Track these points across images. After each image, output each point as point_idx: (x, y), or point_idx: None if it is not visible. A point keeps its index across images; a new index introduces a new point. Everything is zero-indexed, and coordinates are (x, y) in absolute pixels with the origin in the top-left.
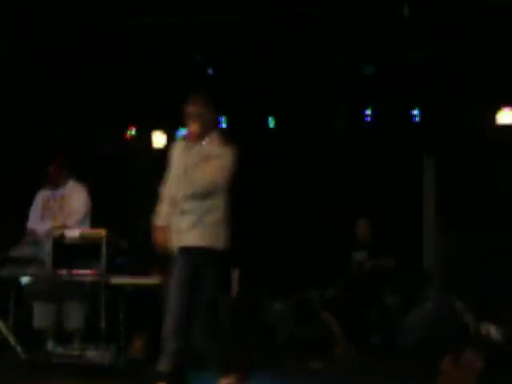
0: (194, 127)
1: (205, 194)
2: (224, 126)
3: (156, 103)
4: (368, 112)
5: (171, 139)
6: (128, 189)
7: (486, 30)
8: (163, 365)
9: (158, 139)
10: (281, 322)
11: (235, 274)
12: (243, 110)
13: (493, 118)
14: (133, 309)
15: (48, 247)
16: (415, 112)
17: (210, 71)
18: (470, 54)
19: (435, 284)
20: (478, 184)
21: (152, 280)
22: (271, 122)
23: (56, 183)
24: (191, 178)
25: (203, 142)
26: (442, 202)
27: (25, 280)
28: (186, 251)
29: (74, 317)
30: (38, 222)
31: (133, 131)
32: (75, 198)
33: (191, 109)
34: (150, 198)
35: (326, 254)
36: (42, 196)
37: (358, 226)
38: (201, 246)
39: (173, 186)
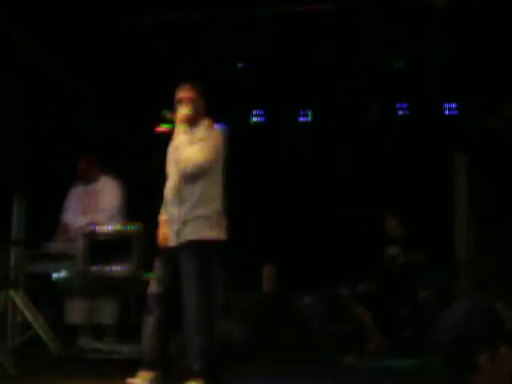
0: (186, 111)
1: (194, 175)
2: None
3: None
4: (400, 107)
5: None
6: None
7: None
8: (194, 363)
9: None
10: (313, 317)
11: (267, 270)
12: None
13: None
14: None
15: (80, 243)
16: (449, 106)
17: (240, 65)
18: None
19: (469, 279)
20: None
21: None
22: (310, 116)
23: (88, 179)
24: (179, 161)
25: (193, 128)
26: (474, 198)
27: (57, 276)
28: (194, 244)
29: (106, 312)
30: (72, 218)
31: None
32: (108, 193)
33: (183, 94)
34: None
35: (359, 249)
36: (75, 192)
37: (387, 224)
38: (208, 238)
39: (169, 179)
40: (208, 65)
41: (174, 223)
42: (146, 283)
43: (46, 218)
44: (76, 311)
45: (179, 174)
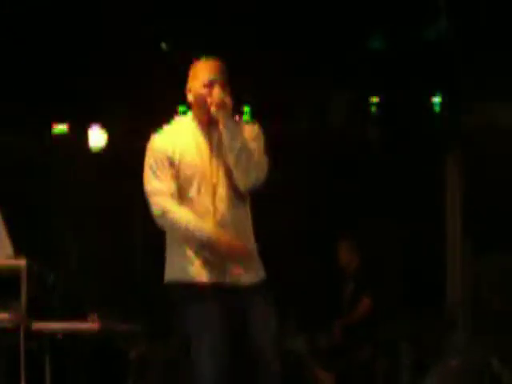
0: (230, 102)
1: (247, 191)
2: None
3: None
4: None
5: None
6: (54, 202)
7: None
8: None
9: (96, 137)
10: None
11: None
12: None
13: None
14: (62, 363)
15: None
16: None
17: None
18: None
19: (462, 329)
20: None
21: (88, 325)
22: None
23: None
24: (236, 173)
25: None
26: (470, 219)
27: None
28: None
29: None
30: None
31: (62, 128)
32: None
33: (222, 75)
34: (85, 215)
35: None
36: None
37: (339, 251)
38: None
39: (186, 182)
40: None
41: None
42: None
43: None
44: None
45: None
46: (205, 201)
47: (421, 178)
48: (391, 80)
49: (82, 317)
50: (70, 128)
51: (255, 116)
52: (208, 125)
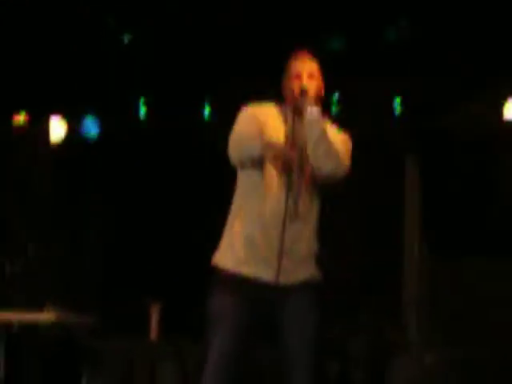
0: (313, 89)
1: (324, 185)
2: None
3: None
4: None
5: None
6: (10, 198)
7: None
8: None
9: (57, 129)
10: None
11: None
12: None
13: (497, 112)
14: (17, 357)
15: None
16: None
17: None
18: (469, 27)
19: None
20: (475, 196)
21: (44, 316)
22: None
23: None
24: (313, 162)
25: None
26: (429, 222)
27: None
28: (313, 286)
29: None
30: None
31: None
32: None
33: (310, 66)
34: (44, 212)
35: None
36: None
37: None
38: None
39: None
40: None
41: (280, 250)
42: None
43: None
44: None
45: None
46: (279, 185)
47: (379, 181)
48: (351, 80)
49: (39, 308)
50: (30, 120)
51: None
52: (296, 116)
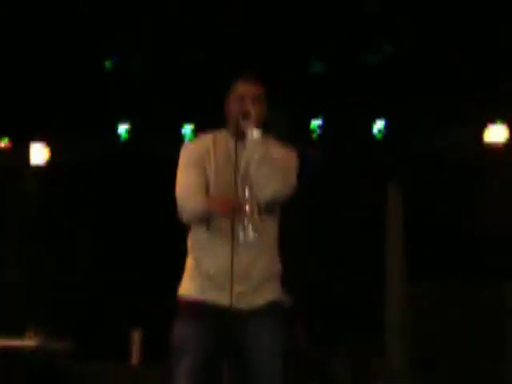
0: (256, 112)
1: (270, 209)
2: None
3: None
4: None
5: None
6: None
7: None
8: None
9: (38, 154)
10: None
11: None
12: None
13: (478, 135)
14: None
15: None
16: (377, 125)
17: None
18: (451, 52)
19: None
20: (456, 223)
21: (25, 343)
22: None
23: None
24: (256, 183)
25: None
26: (410, 248)
27: None
28: (276, 309)
29: None
30: None
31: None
32: None
33: (254, 90)
34: (25, 238)
35: None
36: None
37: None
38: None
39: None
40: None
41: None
42: None
43: None
44: None
45: (257, 200)
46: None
47: (361, 208)
48: (333, 104)
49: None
50: (12, 144)
51: None
52: (240, 137)
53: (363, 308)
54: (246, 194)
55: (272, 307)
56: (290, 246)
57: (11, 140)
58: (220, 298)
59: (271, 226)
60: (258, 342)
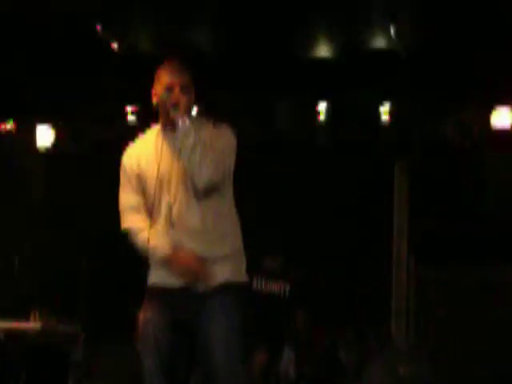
0: (185, 102)
1: (208, 191)
2: None
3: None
4: (321, 108)
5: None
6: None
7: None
8: None
9: (44, 136)
10: None
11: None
12: None
13: (484, 120)
14: (3, 365)
15: None
16: (382, 109)
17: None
18: (456, 37)
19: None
20: (461, 207)
21: (30, 325)
22: None
23: None
24: (189, 170)
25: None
26: (416, 233)
27: None
28: (232, 289)
29: None
30: None
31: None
32: None
33: (182, 79)
34: (33, 215)
35: None
36: None
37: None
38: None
39: (147, 189)
40: None
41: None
42: None
43: None
44: None
45: (189, 189)
46: (163, 205)
47: (368, 189)
48: (340, 88)
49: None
50: (17, 127)
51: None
52: (170, 128)
53: (370, 292)
54: (180, 179)
55: (229, 287)
56: (295, 228)
57: (16, 122)
58: (174, 279)
59: (215, 208)
60: (212, 324)
